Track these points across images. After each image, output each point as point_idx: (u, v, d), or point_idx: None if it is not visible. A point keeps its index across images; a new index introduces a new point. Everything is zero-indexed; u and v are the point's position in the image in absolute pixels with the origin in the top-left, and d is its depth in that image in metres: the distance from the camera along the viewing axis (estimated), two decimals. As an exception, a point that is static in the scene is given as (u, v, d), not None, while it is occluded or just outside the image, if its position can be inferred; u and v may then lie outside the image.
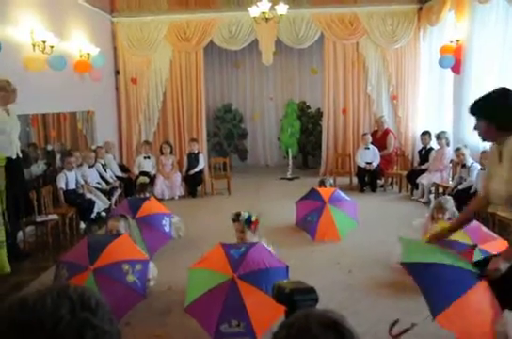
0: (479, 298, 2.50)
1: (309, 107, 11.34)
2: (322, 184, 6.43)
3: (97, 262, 3.55)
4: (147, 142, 8.99)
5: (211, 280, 3.24)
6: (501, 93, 2.59)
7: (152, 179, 8.10)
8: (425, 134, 8.07)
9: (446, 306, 2.44)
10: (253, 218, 3.93)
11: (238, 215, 3.94)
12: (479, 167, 6.10)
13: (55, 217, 5.75)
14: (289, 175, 9.82)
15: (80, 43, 7.75)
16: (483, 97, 2.61)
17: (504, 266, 2.55)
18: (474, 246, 3.86)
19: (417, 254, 2.87)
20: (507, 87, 2.62)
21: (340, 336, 1.00)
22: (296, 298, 1.66)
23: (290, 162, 10.01)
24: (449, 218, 4.52)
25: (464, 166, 6.48)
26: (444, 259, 2.68)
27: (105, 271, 3.51)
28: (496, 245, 3.97)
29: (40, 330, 0.75)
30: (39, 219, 5.57)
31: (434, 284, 2.59)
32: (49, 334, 0.75)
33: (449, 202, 4.62)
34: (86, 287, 0.85)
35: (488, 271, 2.56)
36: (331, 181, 6.87)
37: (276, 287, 1.80)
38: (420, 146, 8.37)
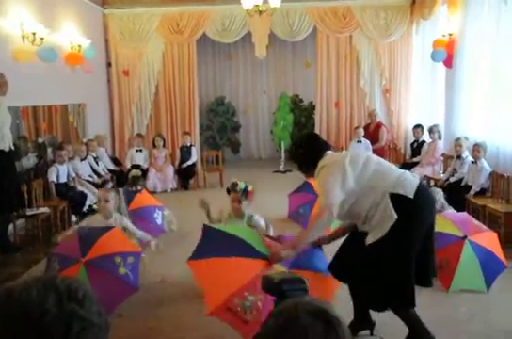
0: (242, 269, 2.76)
1: (302, 100, 11.35)
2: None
3: (88, 254, 3.54)
4: (139, 135, 8.96)
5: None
6: (298, 144, 3.29)
7: (145, 172, 8.09)
8: (418, 127, 8.10)
9: (205, 257, 2.87)
10: (250, 189, 3.94)
11: (235, 185, 3.93)
12: (471, 159, 6.13)
13: (46, 210, 5.72)
14: (282, 168, 9.83)
15: (71, 35, 7.67)
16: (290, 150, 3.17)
17: (286, 254, 2.83)
18: (464, 237, 3.90)
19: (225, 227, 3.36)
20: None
21: (328, 325, 1.01)
22: (285, 288, 1.67)
23: (283, 155, 10.02)
24: (439, 211, 4.55)
25: (459, 157, 6.48)
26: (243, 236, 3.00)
27: (97, 264, 3.52)
28: (486, 236, 4.01)
29: (25, 321, 0.74)
30: (29, 212, 5.54)
31: (213, 243, 2.98)
32: (35, 326, 0.74)
33: (438, 194, 4.64)
34: (73, 279, 0.84)
35: (269, 256, 2.85)
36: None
37: (265, 278, 1.81)
38: (412, 139, 8.40)
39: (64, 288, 0.79)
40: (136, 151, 8.48)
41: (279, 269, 2.75)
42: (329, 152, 3.16)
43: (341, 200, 2.84)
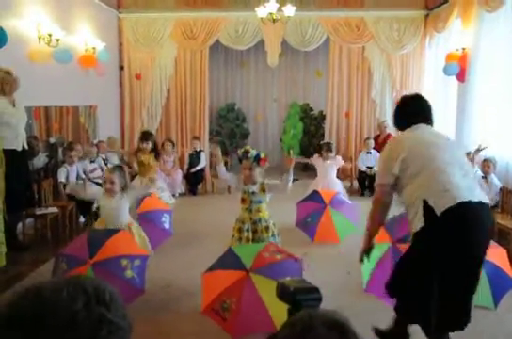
0: (223, 278, 3.35)
1: (312, 109, 11.35)
2: (328, 148, 6.40)
3: (96, 256, 3.55)
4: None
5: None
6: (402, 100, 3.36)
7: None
8: None
9: (208, 271, 3.52)
10: (262, 156, 3.93)
11: (247, 152, 3.92)
12: (481, 174, 6.09)
13: (54, 209, 5.74)
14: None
15: (86, 37, 7.74)
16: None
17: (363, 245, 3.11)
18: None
19: None
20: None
21: (343, 336, 1.00)
22: (300, 298, 1.66)
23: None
24: None
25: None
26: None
27: (104, 265, 3.52)
28: (495, 253, 3.97)
29: (55, 321, 0.74)
30: (39, 212, 5.57)
31: (220, 258, 3.59)
32: (64, 327, 0.74)
33: None
34: (100, 281, 0.84)
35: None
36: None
37: (280, 285, 1.80)
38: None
39: (92, 291, 0.79)
40: (146, 154, 8.49)
41: (255, 279, 3.20)
42: (422, 126, 3.01)
43: (388, 182, 2.90)
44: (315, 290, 1.71)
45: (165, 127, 9.96)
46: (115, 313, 0.79)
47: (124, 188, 4.21)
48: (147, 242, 4.37)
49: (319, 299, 1.70)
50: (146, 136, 6.35)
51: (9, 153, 4.61)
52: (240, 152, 4.00)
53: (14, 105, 4.89)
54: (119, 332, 0.78)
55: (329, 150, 6.52)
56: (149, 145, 6.21)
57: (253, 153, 3.93)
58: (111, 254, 3.62)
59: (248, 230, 4.04)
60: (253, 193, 4.01)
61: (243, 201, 4.07)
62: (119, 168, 4.32)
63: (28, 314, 0.75)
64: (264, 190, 4.01)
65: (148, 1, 9.53)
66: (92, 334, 0.75)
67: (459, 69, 7.52)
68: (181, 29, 9.54)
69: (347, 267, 4.70)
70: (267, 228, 4.06)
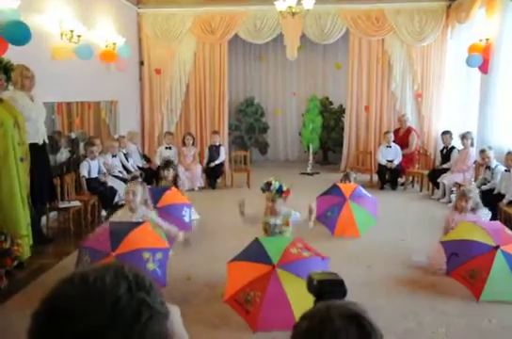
0: (249, 271, 3.39)
1: (331, 103, 11.28)
2: (346, 178, 6.35)
3: (118, 249, 3.60)
4: (169, 133, 9.02)
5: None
6: None
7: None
8: (446, 133, 7.97)
9: (234, 260, 3.60)
10: (284, 188, 3.94)
11: (269, 184, 3.95)
12: (503, 169, 6.00)
13: (77, 203, 5.83)
14: (309, 170, 9.80)
15: (106, 33, 7.81)
16: None
17: None
18: (497, 247, 3.82)
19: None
20: None
21: (361, 328, 1.00)
22: (324, 290, 1.66)
23: (310, 157, 9.99)
24: (472, 209, 4.47)
25: (489, 168, 6.38)
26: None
27: (126, 258, 3.55)
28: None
29: (100, 306, 0.76)
30: (62, 205, 5.67)
31: (245, 249, 3.66)
32: (109, 312, 0.76)
33: (473, 192, 4.56)
34: (139, 269, 0.86)
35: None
36: (355, 175, 6.75)
37: (308, 277, 1.81)
38: (442, 145, 8.27)
39: (132, 277, 0.81)
40: (166, 148, 8.56)
41: (281, 275, 3.22)
42: None
43: None
44: (340, 283, 1.71)
45: (184, 121, 10.03)
46: (154, 299, 0.81)
47: (145, 203, 4.31)
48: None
49: (344, 293, 1.70)
50: (168, 164, 6.22)
51: (31, 148, 4.69)
52: (263, 184, 4.00)
53: (33, 101, 4.97)
54: (159, 317, 0.81)
55: (347, 179, 6.34)
56: (170, 173, 6.11)
57: (276, 185, 3.92)
58: (133, 247, 3.67)
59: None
60: (275, 225, 4.01)
61: (265, 231, 4.08)
62: (142, 182, 4.41)
63: (76, 300, 0.77)
64: (287, 222, 4.00)
65: (167, -4, 9.55)
66: (134, 319, 0.77)
67: (482, 60, 7.39)
68: (199, 24, 9.56)
69: (368, 261, 4.69)
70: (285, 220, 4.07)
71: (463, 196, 4.51)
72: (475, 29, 7.96)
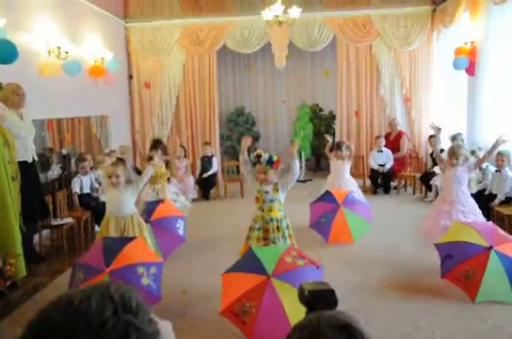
0: (244, 281, 3.34)
1: (321, 110, 11.33)
2: (338, 148, 6.47)
3: (112, 264, 3.58)
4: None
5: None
6: None
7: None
8: (432, 137, 8.00)
9: (229, 271, 3.54)
10: (274, 159, 3.97)
11: (259, 156, 3.99)
12: (494, 169, 6.04)
13: (70, 220, 5.80)
14: (302, 177, 9.81)
15: (94, 48, 7.84)
16: None
17: None
18: (490, 247, 3.83)
19: None
20: None
21: (352, 338, 1.00)
22: (315, 300, 1.66)
23: (303, 165, 10.01)
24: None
25: (480, 168, 6.40)
26: None
27: (120, 274, 3.54)
28: (512, 247, 3.92)
29: (86, 329, 0.75)
30: (54, 223, 5.64)
31: (240, 259, 3.66)
32: (95, 335, 0.75)
33: (462, 148, 4.86)
34: (126, 287, 0.85)
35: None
36: (347, 144, 6.78)
37: (299, 288, 1.80)
38: (431, 149, 8.29)
39: (119, 298, 0.80)
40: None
41: (276, 285, 3.19)
42: None
43: None
44: (331, 293, 1.70)
45: (175, 134, 10.02)
46: (142, 319, 0.80)
47: (128, 181, 4.27)
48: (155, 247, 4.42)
49: (335, 302, 1.70)
50: (155, 144, 6.45)
51: (21, 166, 4.68)
52: (252, 156, 4.05)
53: (22, 119, 4.97)
54: (146, 338, 0.80)
55: (339, 149, 6.57)
56: (158, 153, 6.28)
57: (266, 156, 3.99)
58: (127, 262, 3.65)
59: (259, 229, 4.09)
60: (266, 192, 4.07)
61: (257, 199, 4.15)
62: (121, 161, 4.36)
63: (61, 324, 0.76)
64: (277, 190, 4.06)
65: (154, 9, 9.62)
66: None
67: (469, 62, 7.46)
68: (187, 36, 9.61)
69: (363, 266, 4.68)
70: (278, 228, 4.08)
71: (453, 154, 4.82)
72: (460, 32, 8.04)
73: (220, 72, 10.58)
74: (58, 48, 6.44)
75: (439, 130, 5.06)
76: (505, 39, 6.55)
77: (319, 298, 1.69)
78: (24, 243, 4.45)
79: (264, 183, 4.08)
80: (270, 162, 4.00)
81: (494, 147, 4.83)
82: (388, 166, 8.32)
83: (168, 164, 6.58)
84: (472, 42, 7.45)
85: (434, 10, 9.20)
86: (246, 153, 4.18)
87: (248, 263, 3.50)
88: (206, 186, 8.56)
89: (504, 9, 6.52)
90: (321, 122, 11.14)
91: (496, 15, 6.78)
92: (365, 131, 9.85)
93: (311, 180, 9.81)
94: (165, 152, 6.68)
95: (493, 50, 6.90)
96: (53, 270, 4.94)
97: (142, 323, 0.80)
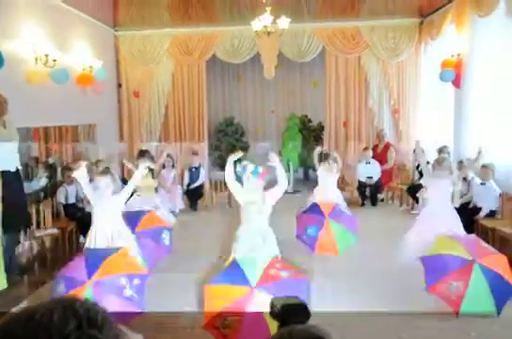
0: (226, 294, 3.31)
1: (310, 121, 11.37)
2: (326, 158, 6.47)
3: (95, 275, 3.54)
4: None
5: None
6: None
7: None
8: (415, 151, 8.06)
9: (210, 283, 3.45)
10: (260, 170, 3.97)
11: (245, 168, 4.01)
12: (479, 182, 6.07)
13: (54, 230, 5.74)
14: (290, 189, 9.80)
15: (83, 57, 7.81)
16: None
17: None
18: (473, 260, 3.84)
19: None
20: None
21: None
22: (287, 315, 1.66)
23: (291, 175, 10.00)
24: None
25: (465, 179, 6.44)
26: None
27: (103, 285, 3.52)
28: (495, 259, 3.95)
29: None
30: (38, 233, 5.56)
31: (223, 271, 3.59)
32: None
33: (446, 161, 5.06)
34: (91, 302, 0.84)
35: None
36: (336, 155, 6.76)
37: (270, 303, 1.80)
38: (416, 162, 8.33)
39: (83, 313, 0.79)
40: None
41: (260, 297, 3.13)
42: None
43: None
44: (303, 306, 1.70)
45: (164, 143, 9.99)
46: (107, 334, 0.79)
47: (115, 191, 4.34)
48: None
49: (307, 316, 1.69)
50: (142, 153, 6.43)
51: (4, 175, 4.62)
52: (239, 167, 4.05)
53: (5, 127, 4.90)
54: None
55: (327, 160, 6.58)
56: (145, 161, 6.27)
57: (251, 168, 3.97)
58: (110, 274, 3.61)
59: (245, 240, 4.07)
60: (253, 203, 4.07)
61: (243, 210, 4.16)
62: (108, 170, 4.39)
63: (22, 337, 0.75)
64: (263, 200, 4.05)
65: (143, 18, 9.63)
66: None
67: (455, 75, 7.54)
68: (177, 45, 9.63)
69: (348, 277, 4.67)
70: (264, 239, 4.08)
71: (438, 166, 5.01)
72: (447, 45, 8.13)
73: (210, 81, 10.60)
74: (46, 56, 6.41)
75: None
76: (490, 51, 6.64)
77: (292, 312, 1.68)
78: (5, 254, 4.38)
79: (251, 194, 4.06)
80: (256, 173, 3.99)
81: (477, 158, 4.93)
82: (375, 178, 8.35)
83: (153, 174, 6.56)
84: (458, 55, 7.53)
85: (421, 22, 9.32)
86: (232, 164, 4.18)
87: (232, 275, 3.46)
88: (194, 197, 8.52)
89: (488, 22, 6.62)
90: (310, 133, 11.17)
91: (481, 27, 6.87)
92: (353, 142, 9.88)
93: (299, 191, 9.81)
94: (152, 161, 6.67)
95: (479, 62, 6.99)
96: (35, 282, 4.87)
97: (107, 338, 0.78)
